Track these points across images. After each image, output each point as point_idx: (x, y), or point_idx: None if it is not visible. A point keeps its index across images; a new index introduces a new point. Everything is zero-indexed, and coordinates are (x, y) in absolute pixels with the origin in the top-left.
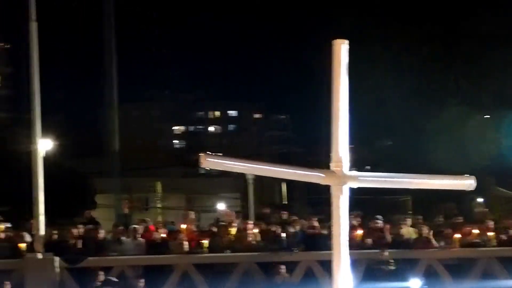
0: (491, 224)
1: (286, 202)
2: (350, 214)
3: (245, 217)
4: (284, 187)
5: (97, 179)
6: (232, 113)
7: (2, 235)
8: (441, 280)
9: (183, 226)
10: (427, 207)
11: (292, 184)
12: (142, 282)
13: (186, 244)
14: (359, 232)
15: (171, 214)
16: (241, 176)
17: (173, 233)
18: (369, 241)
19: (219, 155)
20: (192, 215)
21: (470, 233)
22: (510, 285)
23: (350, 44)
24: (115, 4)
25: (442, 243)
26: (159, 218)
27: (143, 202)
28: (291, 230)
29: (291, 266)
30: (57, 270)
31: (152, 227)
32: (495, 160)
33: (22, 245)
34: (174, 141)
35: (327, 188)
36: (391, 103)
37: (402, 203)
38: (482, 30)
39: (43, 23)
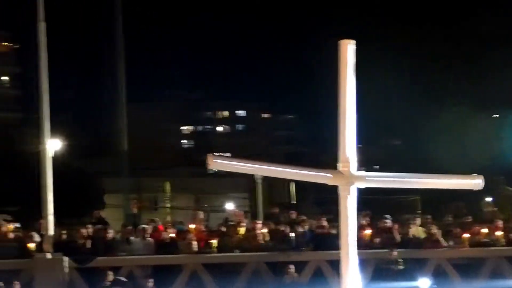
0: (500, 223)
1: (295, 202)
2: (358, 214)
3: (253, 216)
4: (292, 186)
5: (105, 179)
6: (240, 113)
7: (12, 235)
8: (450, 279)
9: (192, 226)
10: (436, 207)
11: (300, 184)
12: (151, 282)
13: (195, 244)
14: (368, 231)
15: (180, 214)
16: (250, 176)
17: (182, 233)
18: (377, 240)
19: (226, 156)
20: (201, 215)
21: (479, 232)
22: None
23: (361, 44)
24: (123, 4)
25: (451, 243)
26: (168, 218)
27: (152, 202)
28: (300, 229)
29: (300, 266)
30: (66, 270)
31: (161, 227)
32: (504, 160)
33: (31, 245)
34: (182, 141)
35: (334, 189)
36: (402, 103)
37: (411, 202)
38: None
39: (52, 23)
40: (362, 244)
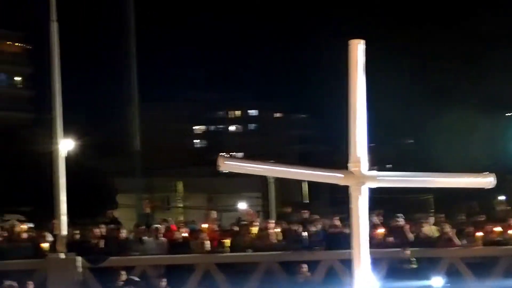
0: None
1: (308, 201)
2: (371, 213)
3: (266, 216)
4: (305, 186)
5: (118, 179)
6: (253, 112)
7: (25, 235)
8: (463, 278)
9: (205, 225)
10: (449, 206)
11: (313, 183)
12: (164, 282)
13: (207, 244)
14: (381, 230)
15: (193, 213)
16: (262, 176)
17: (195, 232)
18: (390, 239)
19: (237, 158)
20: (213, 214)
21: (492, 231)
22: None
23: (375, 43)
24: (136, 3)
25: (464, 242)
26: (181, 218)
27: (165, 201)
28: (313, 229)
29: (313, 265)
30: (80, 270)
31: (173, 227)
32: None
33: (45, 245)
34: (195, 141)
35: (345, 189)
36: (415, 103)
37: (424, 201)
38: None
39: (64, 23)
40: (375, 243)
